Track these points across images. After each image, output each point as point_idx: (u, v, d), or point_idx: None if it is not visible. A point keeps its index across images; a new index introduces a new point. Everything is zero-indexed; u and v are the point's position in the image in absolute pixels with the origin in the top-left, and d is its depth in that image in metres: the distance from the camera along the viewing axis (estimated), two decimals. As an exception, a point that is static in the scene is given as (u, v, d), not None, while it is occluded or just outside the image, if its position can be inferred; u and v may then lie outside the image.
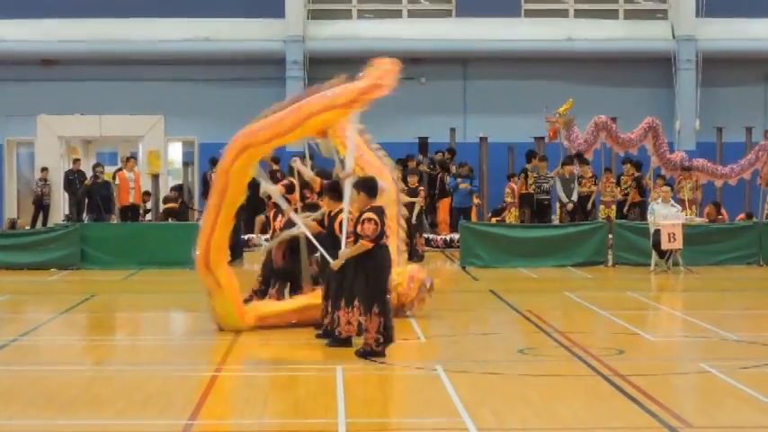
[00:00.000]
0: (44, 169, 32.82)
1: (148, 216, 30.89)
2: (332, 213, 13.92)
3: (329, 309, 13.67)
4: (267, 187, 15.31)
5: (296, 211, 15.24)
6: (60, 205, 33.07)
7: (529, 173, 27.70)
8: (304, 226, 14.56)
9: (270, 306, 15.26)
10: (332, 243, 13.60)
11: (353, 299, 12.99)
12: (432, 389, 11.23)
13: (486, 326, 16.40)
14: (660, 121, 28.74)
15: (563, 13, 35.26)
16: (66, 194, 31.79)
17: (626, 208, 27.94)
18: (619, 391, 10.96)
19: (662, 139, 28.52)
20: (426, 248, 26.60)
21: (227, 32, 33.79)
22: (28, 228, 30.52)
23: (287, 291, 15.92)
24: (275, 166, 28.24)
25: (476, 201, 30.03)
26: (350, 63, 37.52)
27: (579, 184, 26.97)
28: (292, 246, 15.48)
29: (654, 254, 23.38)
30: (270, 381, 12.03)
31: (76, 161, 32.32)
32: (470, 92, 34.59)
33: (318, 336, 14.06)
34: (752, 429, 9.71)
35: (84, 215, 27.84)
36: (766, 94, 34.88)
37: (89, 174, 29.25)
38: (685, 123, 33.53)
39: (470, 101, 34.55)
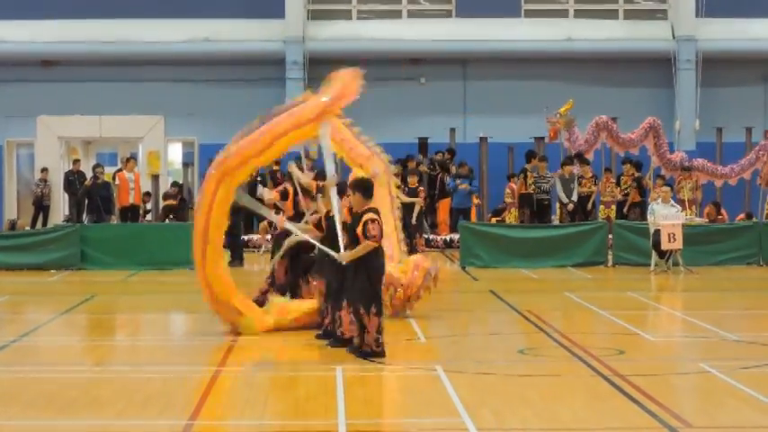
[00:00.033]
0: (44, 170, 32.84)
1: (148, 217, 30.91)
2: (330, 214, 13.92)
3: (329, 309, 13.68)
4: (260, 206, 15.48)
5: (290, 218, 15.30)
6: (60, 206, 33.09)
7: (528, 173, 27.70)
8: (301, 232, 14.54)
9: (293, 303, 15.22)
10: (330, 244, 13.60)
11: (354, 299, 12.98)
12: (432, 389, 11.23)
13: (486, 326, 16.40)
14: (660, 122, 28.78)
15: (563, 14, 35.26)
16: (66, 195, 31.80)
17: (626, 208, 27.93)
18: (619, 392, 10.96)
19: (663, 139, 28.53)
20: (426, 249, 26.59)
21: (227, 33, 33.79)
22: (28, 228, 30.52)
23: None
24: (275, 167, 28.26)
25: (475, 201, 30.02)
26: (350, 63, 37.55)
27: (579, 184, 26.96)
28: (293, 262, 15.48)
29: (654, 254, 23.38)
30: (270, 381, 12.03)
31: (76, 162, 32.33)
32: (470, 92, 34.59)
33: (318, 336, 14.06)
34: (752, 429, 9.71)
35: (84, 216, 27.83)
36: (766, 94, 34.87)
37: (89, 174, 29.24)
38: (685, 123, 33.53)
39: (470, 101, 34.55)
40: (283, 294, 15.45)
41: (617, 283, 21.88)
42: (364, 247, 12.81)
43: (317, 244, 14.06)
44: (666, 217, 23.31)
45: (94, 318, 17.69)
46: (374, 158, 16.87)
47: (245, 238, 27.21)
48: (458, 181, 29.46)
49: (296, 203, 15.57)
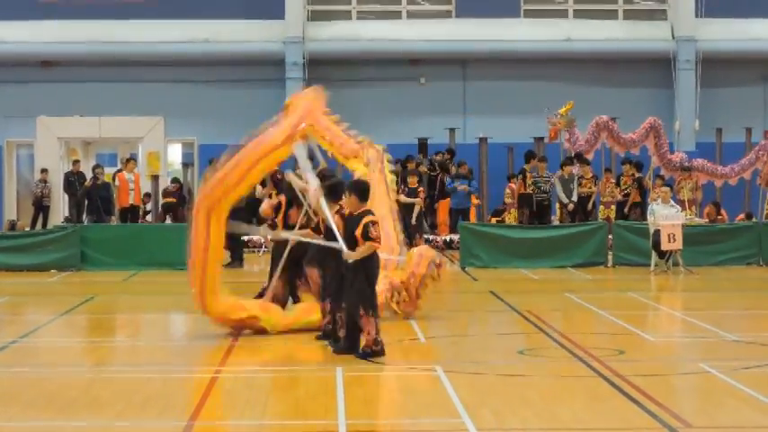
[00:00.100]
0: (44, 171, 32.84)
1: (148, 217, 30.91)
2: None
3: (329, 310, 13.68)
4: (255, 229, 15.58)
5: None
6: (60, 207, 33.09)
7: (527, 173, 27.70)
8: (302, 237, 14.54)
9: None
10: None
11: (353, 300, 12.98)
12: (432, 389, 11.23)
13: (486, 326, 16.40)
14: (661, 122, 28.80)
15: (562, 14, 35.27)
16: (66, 196, 31.80)
17: (627, 208, 27.93)
18: (619, 392, 10.96)
19: (663, 139, 28.55)
20: (426, 249, 26.55)
21: (227, 34, 33.79)
22: (28, 229, 30.54)
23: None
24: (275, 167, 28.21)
25: (475, 201, 30.01)
26: (349, 64, 37.71)
27: (579, 184, 26.96)
28: (292, 270, 15.47)
29: (654, 254, 23.38)
30: (270, 381, 12.04)
31: (76, 162, 32.33)
32: (470, 92, 34.59)
33: (319, 337, 14.07)
34: (752, 429, 9.71)
35: (84, 216, 27.83)
36: (766, 94, 34.89)
37: (89, 175, 29.23)
38: (685, 124, 33.54)
39: (470, 101, 34.55)
40: (283, 308, 15.46)
41: (617, 284, 21.88)
42: (368, 248, 12.83)
43: (320, 242, 14.02)
44: (666, 217, 23.30)
45: (94, 318, 17.69)
46: (366, 147, 17.02)
47: (245, 238, 27.20)
48: (457, 181, 29.45)
49: (286, 217, 15.54)
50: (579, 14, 35.16)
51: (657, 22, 35.08)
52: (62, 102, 33.80)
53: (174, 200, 30.27)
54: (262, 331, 14.60)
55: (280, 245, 15.37)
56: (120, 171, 29.48)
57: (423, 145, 32.17)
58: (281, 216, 15.56)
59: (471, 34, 33.72)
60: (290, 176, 15.33)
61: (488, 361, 12.97)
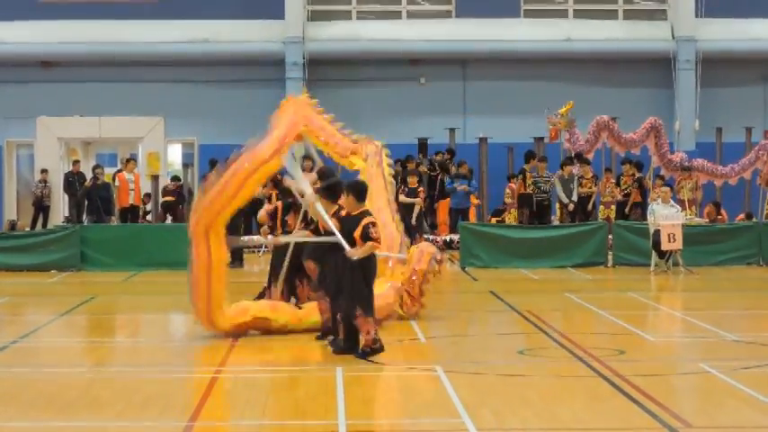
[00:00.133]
0: (44, 171, 32.84)
1: (148, 217, 30.91)
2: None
3: (329, 310, 13.68)
4: (253, 239, 15.55)
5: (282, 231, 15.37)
6: (60, 207, 33.10)
7: (527, 173, 27.69)
8: (302, 237, 14.55)
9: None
10: (330, 245, 13.59)
11: (351, 300, 12.98)
12: (432, 389, 11.24)
13: (486, 326, 16.39)
14: (661, 122, 28.81)
15: (562, 14, 35.27)
16: (66, 196, 31.81)
17: (627, 208, 27.93)
18: (619, 392, 10.96)
19: (664, 139, 28.56)
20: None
21: (227, 34, 33.80)
22: (28, 229, 30.54)
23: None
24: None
25: (474, 201, 30.01)
26: (349, 64, 37.69)
27: (580, 184, 26.95)
28: (293, 274, 15.48)
29: (654, 254, 23.38)
30: (270, 381, 12.03)
31: (76, 163, 32.34)
32: (470, 92, 34.60)
33: (319, 337, 14.07)
34: (752, 429, 9.71)
35: (84, 217, 27.83)
36: (766, 94, 34.90)
37: (89, 175, 29.24)
38: (685, 124, 33.55)
39: (470, 101, 34.56)
40: None
41: (617, 284, 21.88)
42: (369, 247, 12.85)
43: (322, 239, 14.01)
44: (666, 217, 23.30)
45: (94, 319, 17.69)
46: (364, 143, 17.05)
47: (245, 238, 27.17)
48: (457, 181, 29.44)
49: (284, 223, 15.53)
50: (579, 14, 35.17)
51: (657, 22, 35.08)
52: (62, 102, 33.81)
53: (174, 198, 30.25)
54: (267, 331, 14.59)
55: (280, 250, 15.37)
56: (120, 171, 29.49)
57: (423, 145, 32.18)
58: (278, 221, 15.56)
59: (471, 34, 33.73)
60: (290, 182, 15.34)
61: (488, 361, 12.97)
